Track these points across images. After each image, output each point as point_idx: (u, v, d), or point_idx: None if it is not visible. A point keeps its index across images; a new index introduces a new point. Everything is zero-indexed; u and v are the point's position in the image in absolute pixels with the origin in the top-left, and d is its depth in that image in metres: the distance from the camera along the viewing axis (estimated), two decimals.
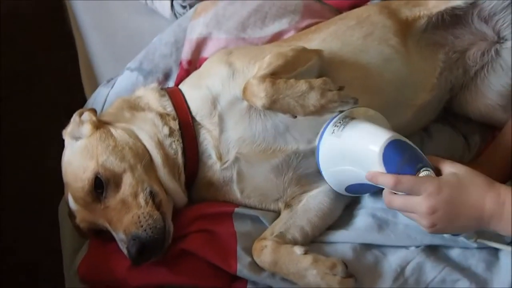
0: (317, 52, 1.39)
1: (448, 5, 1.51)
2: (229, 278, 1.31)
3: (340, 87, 1.22)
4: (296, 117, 1.26)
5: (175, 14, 1.90)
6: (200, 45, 1.66)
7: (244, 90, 1.27)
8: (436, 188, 1.13)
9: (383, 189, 1.23)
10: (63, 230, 1.47)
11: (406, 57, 1.49)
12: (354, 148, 1.23)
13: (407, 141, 1.22)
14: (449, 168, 1.19)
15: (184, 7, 1.87)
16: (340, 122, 1.27)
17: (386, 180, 1.17)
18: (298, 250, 1.26)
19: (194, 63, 1.66)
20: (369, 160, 1.20)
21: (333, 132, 1.26)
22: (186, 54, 1.66)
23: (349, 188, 1.32)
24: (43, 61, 2.24)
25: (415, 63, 1.51)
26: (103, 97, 1.65)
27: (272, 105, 1.24)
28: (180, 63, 1.66)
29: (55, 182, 1.40)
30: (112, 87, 1.67)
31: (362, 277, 1.28)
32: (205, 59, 1.62)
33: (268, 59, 1.32)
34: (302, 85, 1.23)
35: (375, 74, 1.45)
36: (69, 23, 2.08)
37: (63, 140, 1.42)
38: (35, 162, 2.01)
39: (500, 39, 1.51)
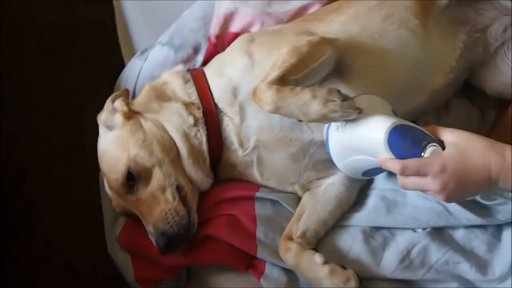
0: (333, 44, 1.42)
1: None
2: (250, 257, 1.43)
3: (344, 98, 1.24)
4: (301, 121, 1.30)
5: None
6: (227, 19, 1.70)
7: (253, 93, 1.32)
8: (441, 166, 1.17)
9: None
10: (103, 195, 1.58)
11: (425, 40, 1.50)
12: (360, 140, 1.27)
13: (408, 123, 1.25)
14: (449, 137, 1.22)
15: None
16: None
17: (393, 166, 1.21)
18: (318, 259, 1.34)
19: (222, 38, 1.71)
20: (376, 148, 1.24)
21: (338, 127, 1.30)
22: (214, 29, 1.70)
23: (365, 173, 1.37)
24: (83, 14, 2.29)
25: (435, 45, 1.52)
26: (136, 71, 1.73)
27: (277, 111, 1.29)
28: (209, 37, 1.71)
29: (95, 140, 1.51)
30: (145, 60, 1.74)
31: (369, 259, 1.37)
32: (233, 34, 1.69)
33: (283, 55, 1.36)
34: (306, 94, 1.26)
35: (392, 60, 1.47)
36: None
37: (102, 98, 1.52)
38: (74, 118, 2.06)
39: None
